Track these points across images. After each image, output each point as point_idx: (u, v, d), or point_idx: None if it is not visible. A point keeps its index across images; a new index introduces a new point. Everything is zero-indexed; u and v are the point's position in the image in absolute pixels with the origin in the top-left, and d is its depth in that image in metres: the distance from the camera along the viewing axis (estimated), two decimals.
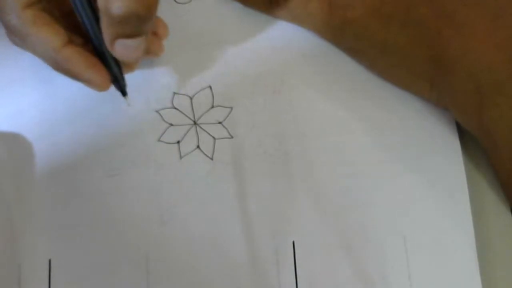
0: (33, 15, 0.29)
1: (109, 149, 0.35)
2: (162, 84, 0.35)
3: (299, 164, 0.35)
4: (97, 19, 0.30)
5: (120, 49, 0.30)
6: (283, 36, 0.37)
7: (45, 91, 0.36)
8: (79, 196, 0.34)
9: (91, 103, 0.36)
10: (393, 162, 0.35)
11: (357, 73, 0.36)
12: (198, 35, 0.37)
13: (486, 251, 0.34)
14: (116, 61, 0.32)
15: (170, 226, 0.34)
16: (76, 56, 0.31)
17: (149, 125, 0.35)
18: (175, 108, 0.36)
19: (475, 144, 0.35)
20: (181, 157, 0.35)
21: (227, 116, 0.36)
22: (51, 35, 0.30)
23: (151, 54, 0.34)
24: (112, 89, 0.33)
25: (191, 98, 0.36)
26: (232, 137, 0.36)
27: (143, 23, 0.29)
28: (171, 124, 0.36)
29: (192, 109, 0.36)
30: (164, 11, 0.33)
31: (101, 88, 0.32)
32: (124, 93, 0.34)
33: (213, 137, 0.35)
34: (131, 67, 0.34)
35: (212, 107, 0.36)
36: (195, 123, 0.36)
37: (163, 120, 0.36)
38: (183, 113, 0.36)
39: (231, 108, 0.36)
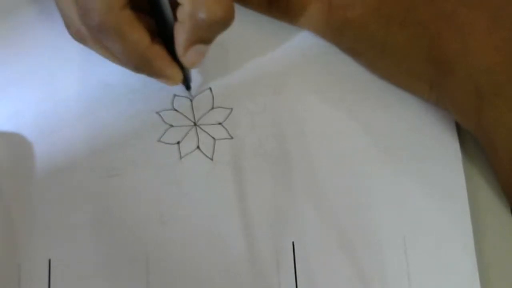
0: (130, 14, 0.30)
1: (109, 150, 0.35)
2: (162, 86, 0.35)
3: (299, 164, 0.35)
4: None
5: (193, 53, 0.31)
6: (283, 36, 0.37)
7: (45, 91, 0.36)
8: (79, 196, 0.34)
9: (91, 103, 0.36)
10: (392, 162, 0.35)
11: (357, 73, 0.36)
12: None
13: (485, 251, 0.34)
14: None
15: (170, 226, 0.34)
16: (162, 53, 0.32)
17: (149, 126, 0.35)
18: (176, 110, 0.36)
19: (474, 144, 0.35)
20: (181, 158, 0.35)
21: (227, 117, 0.36)
22: (143, 33, 0.30)
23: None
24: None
25: (191, 100, 0.36)
26: (232, 137, 0.36)
27: (224, 28, 0.30)
28: (171, 125, 0.36)
29: (192, 110, 0.36)
30: None
31: (176, 82, 0.33)
32: (188, 87, 0.35)
33: (213, 138, 0.36)
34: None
35: (212, 108, 0.36)
36: (195, 124, 0.36)
37: (163, 121, 0.36)
38: (183, 114, 0.36)
39: (231, 109, 0.36)
